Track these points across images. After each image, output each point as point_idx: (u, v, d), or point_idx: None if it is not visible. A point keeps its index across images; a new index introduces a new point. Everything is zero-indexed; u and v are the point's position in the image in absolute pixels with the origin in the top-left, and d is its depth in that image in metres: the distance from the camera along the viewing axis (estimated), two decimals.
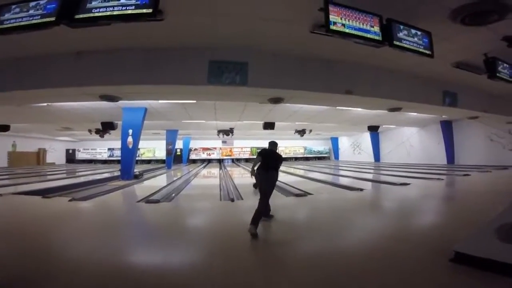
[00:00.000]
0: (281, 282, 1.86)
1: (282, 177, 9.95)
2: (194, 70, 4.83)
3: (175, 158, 18.73)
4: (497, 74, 4.97)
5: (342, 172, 12.41)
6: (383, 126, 15.10)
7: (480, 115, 9.71)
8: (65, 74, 4.60)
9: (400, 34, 3.81)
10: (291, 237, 2.89)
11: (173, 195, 6.13)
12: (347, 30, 3.44)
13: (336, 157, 25.41)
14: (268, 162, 3.44)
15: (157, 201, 5.08)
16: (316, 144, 26.40)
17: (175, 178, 10.66)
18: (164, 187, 7.54)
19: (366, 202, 5.21)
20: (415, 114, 10.42)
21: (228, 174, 12.29)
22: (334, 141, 25.36)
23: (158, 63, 4.69)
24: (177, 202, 5.43)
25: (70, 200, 4.91)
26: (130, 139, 8.91)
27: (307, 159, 25.77)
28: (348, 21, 3.45)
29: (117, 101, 5.91)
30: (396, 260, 2.19)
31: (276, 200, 5.34)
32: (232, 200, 5.19)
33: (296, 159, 25.56)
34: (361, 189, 6.23)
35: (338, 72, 5.63)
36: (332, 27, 3.34)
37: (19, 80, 4.70)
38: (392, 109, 8.10)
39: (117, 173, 10.46)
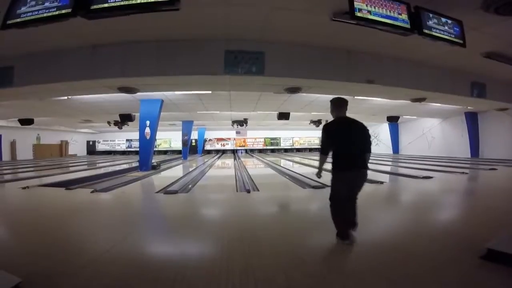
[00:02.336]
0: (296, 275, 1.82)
1: (297, 168, 9.91)
2: (210, 60, 4.76)
3: (190, 149, 19.02)
4: None
5: None
6: (404, 116, 14.52)
7: (509, 106, 9.12)
8: (82, 67, 4.67)
9: (430, 23, 3.58)
10: (312, 231, 2.83)
11: (190, 186, 6.21)
12: (373, 17, 3.24)
13: None
14: (348, 149, 2.16)
15: (175, 192, 5.15)
16: None
17: (191, 169, 10.81)
18: (181, 177, 7.66)
19: (387, 196, 5.04)
20: (439, 105, 9.92)
21: (242, 164, 12.33)
22: None
23: (174, 54, 4.66)
24: (195, 193, 5.49)
25: (92, 192, 5.07)
26: (147, 130, 9.06)
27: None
28: (374, 7, 3.25)
29: (135, 92, 5.97)
30: (425, 255, 2.12)
31: (293, 192, 5.32)
32: (248, 192, 5.17)
33: (311, 150, 25.23)
34: (381, 182, 6.04)
35: (359, 61, 5.40)
36: (358, 13, 3.16)
37: (40, 74, 4.80)
38: (416, 99, 7.72)
39: (135, 164, 10.74)
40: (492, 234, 2.28)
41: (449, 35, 3.75)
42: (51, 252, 2.26)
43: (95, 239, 2.69)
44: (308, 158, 16.06)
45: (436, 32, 3.63)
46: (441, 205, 4.20)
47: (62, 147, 21.78)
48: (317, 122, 16.21)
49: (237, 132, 23.49)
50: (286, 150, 24.98)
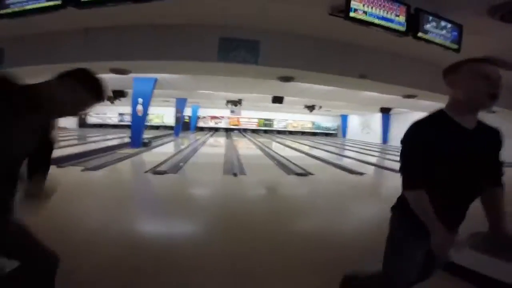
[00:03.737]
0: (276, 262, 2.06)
1: (287, 152, 10.07)
2: (204, 47, 4.73)
3: (183, 125, 18.99)
4: None
5: (346, 153, 12.50)
6: (396, 109, 14.72)
7: (498, 110, 9.30)
8: (75, 50, 4.61)
9: (427, 26, 3.55)
10: (292, 219, 3.08)
11: (179, 165, 6.39)
12: (368, 19, 3.23)
13: (344, 134, 25.25)
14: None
15: (163, 172, 5.34)
16: (325, 120, 26.09)
17: (182, 147, 10.95)
18: (171, 157, 7.78)
19: (365, 188, 5.37)
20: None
21: (233, 144, 12.51)
22: (344, 118, 24.98)
23: (168, 39, 4.61)
24: (183, 174, 5.67)
25: (82, 170, 5.19)
26: (140, 107, 9.05)
27: (314, 134, 25.68)
28: (371, 8, 3.22)
29: (127, 74, 5.91)
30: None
31: (279, 179, 5.57)
32: (235, 175, 5.40)
33: (303, 133, 25.48)
34: (362, 173, 6.40)
35: (353, 55, 5.41)
36: (352, 14, 3.14)
37: (30, 56, 4.75)
38: (407, 96, 7.87)
39: (127, 140, 10.77)
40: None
41: (445, 39, 3.74)
42: (44, 233, 2.43)
43: (86, 219, 2.87)
44: (298, 142, 16.34)
45: (432, 36, 3.62)
46: None
47: None
48: (311, 107, 16.34)
49: (232, 111, 23.40)
50: (279, 132, 25.18)
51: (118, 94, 10.48)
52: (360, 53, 5.47)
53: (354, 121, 24.37)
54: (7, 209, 1.01)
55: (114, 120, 23.82)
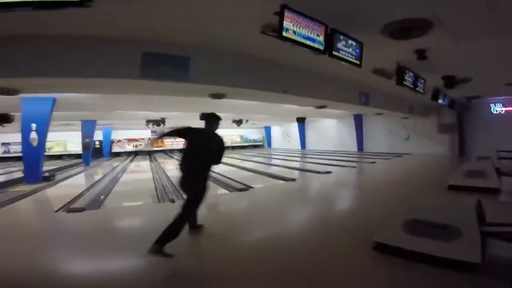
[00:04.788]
0: None
1: (222, 168, 9.93)
2: (124, 62, 4.18)
3: (94, 152, 16.30)
4: (403, 82, 5.85)
5: (275, 162, 13.26)
6: (309, 118, 16.66)
7: (384, 112, 11.75)
8: None
9: (339, 45, 4.05)
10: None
11: (102, 197, 5.46)
12: (297, 38, 3.47)
13: (269, 145, 26.85)
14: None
15: (81, 210, 4.44)
16: (252, 133, 27.14)
17: (97, 177, 9.41)
18: (86, 190, 6.57)
19: (302, 193, 5.79)
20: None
21: (160, 167, 11.56)
22: (267, 130, 26.62)
23: (78, 53, 3.87)
24: (108, 209, 4.85)
25: None
26: (33, 135, 7.30)
27: (243, 147, 26.25)
28: (299, 28, 3.46)
29: (15, 94, 4.69)
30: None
31: (222, 197, 5.35)
32: (173, 201, 4.96)
33: (234, 147, 25.69)
34: (294, 179, 6.90)
35: (277, 73, 5.84)
36: (285, 33, 3.33)
37: None
38: (319, 107, 9.04)
39: (20, 175, 8.54)
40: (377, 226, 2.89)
41: (351, 56, 4.33)
42: None
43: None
44: (231, 157, 16.40)
45: (342, 54, 4.15)
46: (338, 199, 5.09)
47: None
48: (238, 122, 16.77)
49: (153, 132, 21.52)
50: None
51: (1, 120, 8.25)
52: (283, 70, 5.96)
53: (276, 132, 26.26)
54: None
55: None
